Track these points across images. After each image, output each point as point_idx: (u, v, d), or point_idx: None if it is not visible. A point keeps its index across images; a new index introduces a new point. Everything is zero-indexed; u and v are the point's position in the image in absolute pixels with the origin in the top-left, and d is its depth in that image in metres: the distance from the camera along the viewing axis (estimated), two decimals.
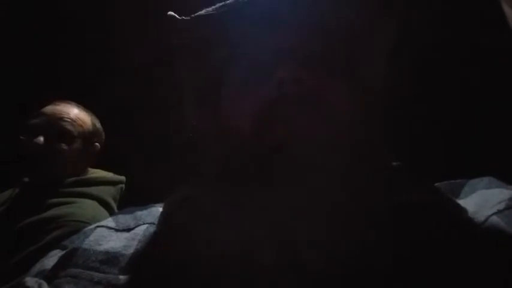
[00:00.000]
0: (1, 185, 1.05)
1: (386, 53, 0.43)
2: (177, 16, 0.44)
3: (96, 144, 1.08)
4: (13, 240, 0.85)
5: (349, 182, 0.38)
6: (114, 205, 1.02)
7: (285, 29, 0.40)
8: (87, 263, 0.38)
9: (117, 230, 0.41)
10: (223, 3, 0.41)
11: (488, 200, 0.37)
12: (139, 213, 0.44)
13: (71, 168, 1.00)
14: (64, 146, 0.98)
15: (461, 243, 0.34)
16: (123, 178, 1.10)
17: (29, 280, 0.38)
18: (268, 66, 0.38)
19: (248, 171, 0.39)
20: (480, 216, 0.35)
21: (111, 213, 0.95)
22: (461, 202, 0.38)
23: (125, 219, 0.43)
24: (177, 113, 0.46)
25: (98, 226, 0.42)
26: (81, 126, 1.03)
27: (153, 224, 0.42)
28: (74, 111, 1.03)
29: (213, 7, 0.42)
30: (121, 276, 0.36)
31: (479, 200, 0.38)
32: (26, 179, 1.01)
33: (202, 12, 0.42)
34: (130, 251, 0.38)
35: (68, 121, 1.00)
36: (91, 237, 0.41)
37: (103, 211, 0.96)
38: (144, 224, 0.42)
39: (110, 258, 0.38)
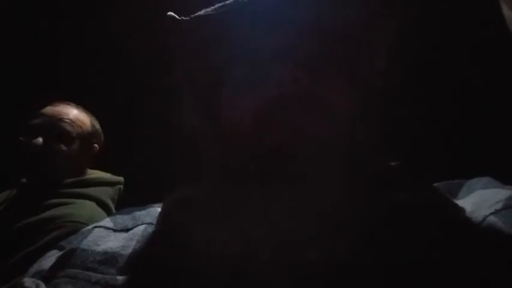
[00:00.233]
0: (0, 186, 1.05)
1: (385, 52, 0.43)
2: (177, 16, 0.44)
3: (95, 145, 1.08)
4: (11, 241, 0.85)
5: (349, 181, 0.38)
6: (112, 206, 1.02)
7: (284, 29, 0.40)
8: (85, 263, 0.37)
9: (115, 231, 0.41)
10: (222, 3, 0.41)
11: (486, 200, 0.37)
12: (137, 213, 0.44)
13: (70, 169, 1.00)
14: (63, 147, 0.98)
15: (459, 242, 0.34)
16: (121, 179, 1.10)
17: (27, 280, 0.38)
18: (268, 66, 0.38)
19: (248, 171, 0.39)
20: (478, 216, 0.35)
21: (109, 214, 0.95)
22: (459, 202, 0.38)
23: (123, 219, 0.43)
24: (177, 113, 0.46)
25: (96, 226, 0.42)
26: (80, 127, 1.03)
27: (152, 224, 0.42)
28: (73, 112, 1.03)
29: (212, 7, 0.42)
30: (119, 277, 0.36)
31: (477, 200, 0.38)
32: (24, 180, 1.01)
33: (202, 12, 0.42)
34: (129, 251, 0.38)
35: (67, 122, 1.00)
36: (89, 238, 0.40)
37: (101, 212, 0.96)
38: (142, 224, 0.42)
39: (108, 259, 0.38)
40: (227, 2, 0.41)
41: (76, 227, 0.79)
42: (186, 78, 0.46)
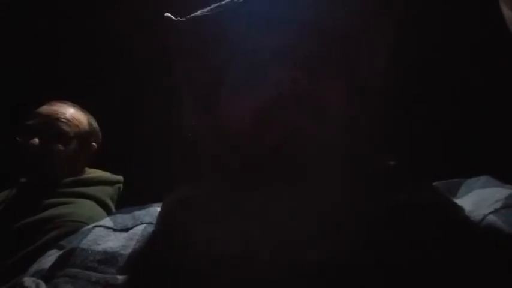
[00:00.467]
0: (0, 186, 1.05)
1: (385, 52, 0.43)
2: (173, 17, 0.43)
3: (93, 143, 1.07)
4: (11, 241, 0.85)
5: (349, 181, 0.38)
6: (111, 205, 1.02)
7: (283, 29, 0.39)
8: (85, 262, 0.37)
9: (115, 230, 0.41)
10: (218, 4, 0.41)
11: (485, 199, 0.37)
12: (137, 213, 0.44)
13: (68, 168, 1.00)
14: (60, 147, 0.98)
15: (459, 242, 0.33)
16: (120, 178, 1.10)
17: (27, 280, 0.38)
18: (267, 66, 0.38)
19: (248, 171, 0.39)
20: (477, 215, 0.35)
21: (109, 213, 0.95)
22: (458, 201, 0.38)
23: (123, 219, 0.43)
24: (177, 113, 0.46)
25: (95, 226, 0.42)
26: (77, 126, 1.02)
27: (151, 223, 0.42)
28: (69, 111, 1.02)
29: (208, 8, 0.41)
30: (119, 276, 0.36)
31: (476, 199, 0.38)
32: (23, 180, 1.00)
33: (198, 13, 0.42)
34: (128, 250, 0.38)
35: (64, 121, 0.99)
36: (89, 237, 0.40)
37: (101, 211, 0.96)
38: (142, 223, 0.42)
39: (108, 258, 0.38)
40: (222, 2, 0.41)
41: (76, 226, 0.79)
42: (185, 78, 0.45)
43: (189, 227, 0.38)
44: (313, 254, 0.34)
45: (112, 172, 1.10)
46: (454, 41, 1.30)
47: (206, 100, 0.44)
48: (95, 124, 1.10)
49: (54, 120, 0.98)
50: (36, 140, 0.94)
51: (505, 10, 0.40)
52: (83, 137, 1.03)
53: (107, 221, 0.43)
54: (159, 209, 0.43)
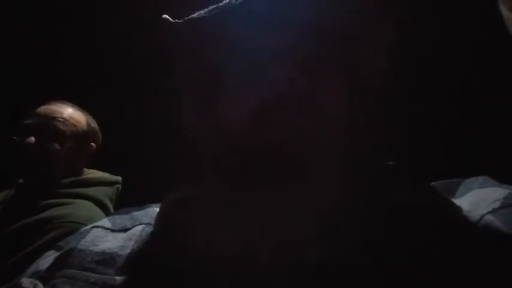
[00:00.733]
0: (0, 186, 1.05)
1: (385, 53, 0.43)
2: (171, 19, 0.43)
3: (92, 144, 1.07)
4: (10, 241, 0.85)
5: (349, 181, 0.38)
6: (110, 206, 1.02)
7: (282, 29, 0.39)
8: (83, 263, 0.37)
9: (113, 231, 0.41)
10: (215, 5, 0.41)
11: (483, 199, 0.37)
12: (135, 213, 0.44)
13: (66, 168, 0.99)
14: (57, 146, 0.97)
15: (457, 242, 0.34)
16: (119, 178, 1.09)
17: (25, 281, 0.38)
18: (266, 67, 0.38)
19: (248, 172, 0.39)
20: (475, 215, 0.35)
21: (108, 214, 0.95)
22: (457, 201, 0.38)
23: (121, 219, 0.43)
24: (177, 113, 0.46)
25: (94, 226, 0.42)
26: (75, 125, 1.01)
27: (150, 224, 0.41)
28: (67, 111, 1.02)
29: (206, 9, 0.41)
30: (117, 277, 0.36)
31: (474, 199, 0.38)
32: (21, 180, 1.00)
33: (195, 15, 0.42)
34: (127, 251, 0.38)
35: (61, 121, 0.99)
36: (87, 238, 0.40)
37: (99, 212, 0.96)
38: (140, 224, 0.42)
39: (106, 259, 0.38)
40: (220, 4, 0.41)
41: (74, 227, 0.79)
42: (185, 78, 0.45)
43: (189, 227, 0.37)
44: (313, 254, 0.33)
45: (111, 172, 1.10)
46: (454, 41, 1.30)
47: (206, 100, 0.43)
48: (94, 124, 1.09)
49: (51, 120, 0.98)
50: (33, 139, 0.93)
51: (504, 11, 0.40)
52: (81, 136, 1.03)
53: (105, 222, 0.43)
54: (157, 209, 0.43)
